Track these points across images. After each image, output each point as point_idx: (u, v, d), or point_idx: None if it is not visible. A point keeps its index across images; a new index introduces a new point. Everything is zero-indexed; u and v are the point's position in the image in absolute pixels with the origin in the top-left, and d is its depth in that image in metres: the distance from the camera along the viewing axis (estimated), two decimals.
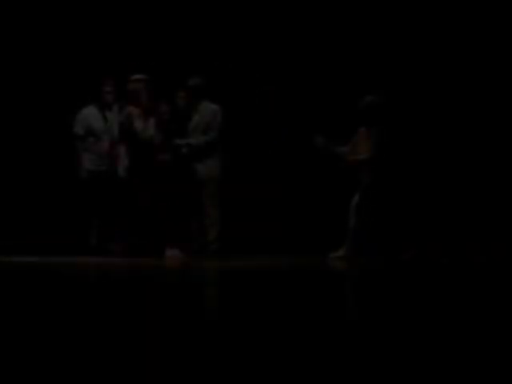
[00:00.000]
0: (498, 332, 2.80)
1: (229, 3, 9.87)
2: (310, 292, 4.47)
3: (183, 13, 9.84)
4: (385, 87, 9.66)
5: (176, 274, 6.33)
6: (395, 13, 9.79)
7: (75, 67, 9.49)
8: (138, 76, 8.30)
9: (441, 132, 9.78)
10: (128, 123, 8.04)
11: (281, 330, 2.80)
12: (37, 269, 6.20)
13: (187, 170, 8.34)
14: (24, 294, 3.99)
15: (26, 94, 9.69)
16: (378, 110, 8.18)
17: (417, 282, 5.31)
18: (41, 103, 9.65)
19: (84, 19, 9.70)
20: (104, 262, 7.26)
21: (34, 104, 9.68)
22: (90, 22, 9.70)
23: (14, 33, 9.70)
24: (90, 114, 8.51)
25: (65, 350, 2.48)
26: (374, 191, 8.03)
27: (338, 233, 7.97)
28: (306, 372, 2.44)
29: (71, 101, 8.79)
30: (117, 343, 2.57)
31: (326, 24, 9.83)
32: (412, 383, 2.38)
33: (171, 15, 9.82)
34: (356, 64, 9.64)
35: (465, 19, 9.70)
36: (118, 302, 3.69)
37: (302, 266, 7.07)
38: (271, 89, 9.78)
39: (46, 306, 3.45)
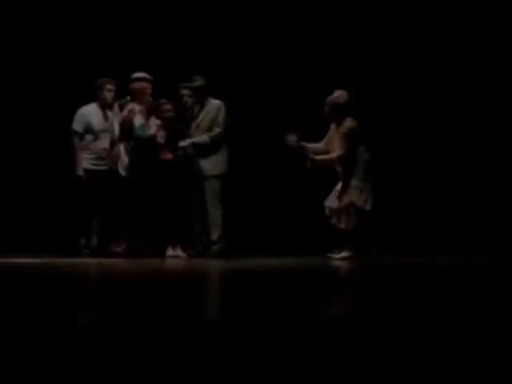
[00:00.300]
0: (498, 332, 2.80)
1: (229, 3, 9.88)
2: (311, 293, 4.47)
3: (183, 12, 9.84)
4: (388, 87, 9.67)
5: (176, 275, 6.33)
6: (393, 15, 9.81)
7: (76, 66, 9.47)
8: (140, 74, 8.27)
9: (441, 133, 9.78)
10: (129, 119, 8.01)
11: (280, 330, 2.80)
12: (37, 270, 6.20)
13: (189, 169, 8.32)
14: (24, 296, 3.99)
15: (27, 93, 9.68)
16: (347, 104, 8.01)
17: (417, 282, 5.32)
18: (41, 102, 9.63)
19: (84, 19, 9.70)
20: (105, 262, 7.25)
21: (35, 103, 9.66)
22: (90, 22, 9.70)
23: (16, 33, 9.69)
24: (90, 112, 8.46)
25: (65, 350, 2.48)
26: (348, 188, 7.93)
27: (340, 233, 7.94)
28: (306, 372, 2.44)
29: (71, 99, 8.76)
30: (117, 344, 2.57)
31: (325, 24, 9.84)
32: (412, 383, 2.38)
33: (171, 15, 9.82)
34: (356, 64, 9.65)
35: (449, 13, 9.72)
36: (119, 303, 3.70)
37: (305, 267, 7.06)
38: (271, 89, 9.78)
39: (45, 307, 3.45)
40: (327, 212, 8.08)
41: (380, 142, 9.40)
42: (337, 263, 7.45)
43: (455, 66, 9.74)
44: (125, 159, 8.06)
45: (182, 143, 8.31)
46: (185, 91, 8.57)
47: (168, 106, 8.36)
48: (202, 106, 8.42)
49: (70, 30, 9.68)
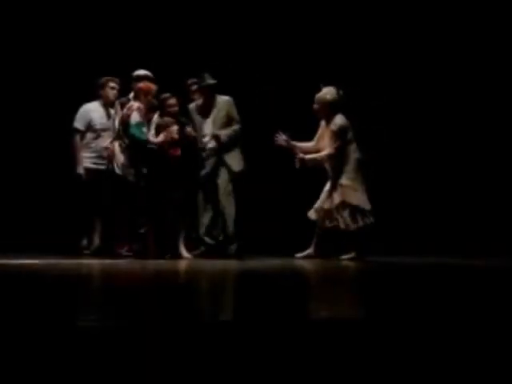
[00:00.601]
0: (499, 333, 2.82)
1: (229, 3, 9.87)
2: (313, 293, 4.49)
3: (184, 12, 9.83)
4: (388, 87, 9.68)
5: (180, 275, 6.33)
6: (393, 14, 9.82)
7: (78, 64, 9.39)
8: (142, 72, 8.20)
9: (441, 133, 9.78)
10: (126, 117, 7.93)
11: (284, 331, 2.81)
12: (38, 271, 6.19)
13: (201, 167, 8.28)
14: (25, 297, 3.99)
15: (28, 91, 9.62)
16: (336, 101, 7.91)
17: (419, 282, 5.33)
18: (43, 100, 9.58)
19: (87, 16, 9.66)
20: (107, 263, 7.22)
21: (36, 101, 9.62)
22: (92, 19, 9.65)
23: (18, 31, 9.66)
24: (92, 110, 8.40)
25: (66, 351, 2.49)
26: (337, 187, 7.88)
27: (347, 234, 7.91)
28: (311, 372, 2.45)
29: (73, 97, 8.67)
30: (119, 346, 2.58)
31: (325, 23, 9.83)
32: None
33: (172, 14, 9.80)
34: (355, 64, 9.65)
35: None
36: (122, 305, 3.70)
37: (307, 267, 7.05)
38: (271, 89, 9.78)
39: (47, 308, 3.46)
40: (311, 215, 7.97)
41: (380, 141, 9.41)
42: (343, 264, 7.42)
43: (455, 65, 9.75)
44: (120, 157, 7.95)
45: (210, 145, 8.28)
46: (195, 87, 8.55)
47: (173, 101, 8.31)
48: (212, 104, 8.40)
49: (73, 27, 9.62)
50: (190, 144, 8.24)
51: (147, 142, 7.94)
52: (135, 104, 7.97)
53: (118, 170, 7.93)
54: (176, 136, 7.92)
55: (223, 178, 8.27)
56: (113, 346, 2.58)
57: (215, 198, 8.26)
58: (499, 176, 9.52)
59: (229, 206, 8.23)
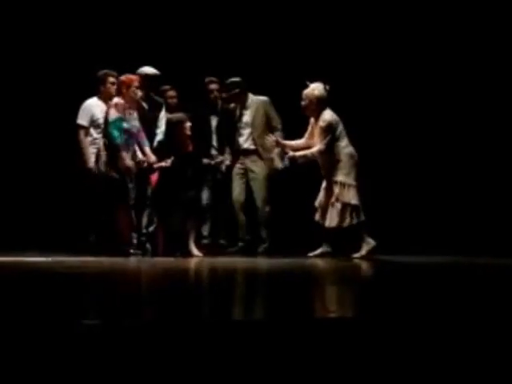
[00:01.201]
0: (499, 333, 2.86)
1: (229, 3, 9.88)
2: (316, 293, 4.51)
3: (184, 11, 9.82)
4: (387, 86, 9.67)
5: (186, 274, 6.34)
6: (386, 13, 9.81)
7: (79, 59, 9.35)
8: (149, 69, 8.19)
9: (442, 132, 9.77)
10: (106, 114, 7.91)
11: (288, 330, 2.85)
12: (47, 268, 6.21)
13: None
14: (33, 295, 4.02)
15: (29, 88, 9.60)
16: (324, 97, 7.89)
17: (425, 281, 5.36)
18: (43, 97, 9.56)
19: (89, 11, 9.67)
20: (115, 261, 7.21)
21: (39, 100, 9.61)
22: (95, 15, 9.66)
23: (19, 28, 9.65)
24: (93, 105, 8.33)
25: (71, 350, 2.53)
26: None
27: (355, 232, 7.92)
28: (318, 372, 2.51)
29: (75, 95, 8.61)
30: (126, 345, 2.62)
31: (318, 23, 9.83)
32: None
33: (172, 13, 9.80)
34: (353, 63, 9.65)
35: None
36: (127, 303, 3.75)
37: (331, 267, 7.07)
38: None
39: (54, 305, 3.50)
40: (317, 217, 7.96)
41: (381, 138, 9.39)
42: (354, 263, 7.41)
43: (451, 63, 9.72)
44: (103, 155, 7.87)
45: (246, 145, 8.38)
46: (213, 86, 8.57)
47: (172, 93, 8.29)
48: (243, 105, 8.42)
49: (73, 20, 9.59)
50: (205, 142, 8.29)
51: (119, 148, 7.82)
52: (114, 100, 7.90)
53: (102, 167, 7.86)
54: (189, 133, 7.93)
55: (260, 177, 8.31)
56: (118, 345, 2.60)
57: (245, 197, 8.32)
58: (500, 175, 9.51)
59: (264, 207, 8.28)
